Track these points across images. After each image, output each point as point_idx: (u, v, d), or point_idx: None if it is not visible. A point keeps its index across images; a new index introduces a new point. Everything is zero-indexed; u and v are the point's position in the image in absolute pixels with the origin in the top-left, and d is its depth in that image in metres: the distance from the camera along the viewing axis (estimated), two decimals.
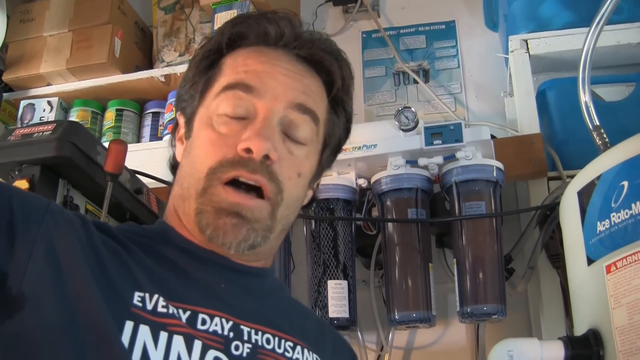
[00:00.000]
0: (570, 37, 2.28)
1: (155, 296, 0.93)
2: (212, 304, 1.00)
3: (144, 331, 0.89)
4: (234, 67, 1.12)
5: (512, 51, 2.35)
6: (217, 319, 0.99)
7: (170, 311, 0.94)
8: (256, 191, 1.04)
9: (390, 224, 2.01)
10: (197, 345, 0.93)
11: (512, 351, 1.41)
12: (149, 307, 0.92)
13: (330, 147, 1.22)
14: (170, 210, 1.15)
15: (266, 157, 1.04)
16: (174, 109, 1.22)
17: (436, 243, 2.25)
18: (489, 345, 2.04)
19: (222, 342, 0.97)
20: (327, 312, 1.93)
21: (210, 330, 0.97)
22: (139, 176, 1.77)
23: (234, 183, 1.04)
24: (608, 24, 1.74)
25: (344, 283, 1.97)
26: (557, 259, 1.97)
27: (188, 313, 0.96)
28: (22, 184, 1.41)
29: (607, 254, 1.36)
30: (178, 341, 0.92)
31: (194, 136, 1.11)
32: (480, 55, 2.81)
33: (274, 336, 1.05)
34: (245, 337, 1.01)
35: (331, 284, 1.95)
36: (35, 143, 1.45)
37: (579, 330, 1.46)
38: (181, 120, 1.19)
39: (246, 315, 1.03)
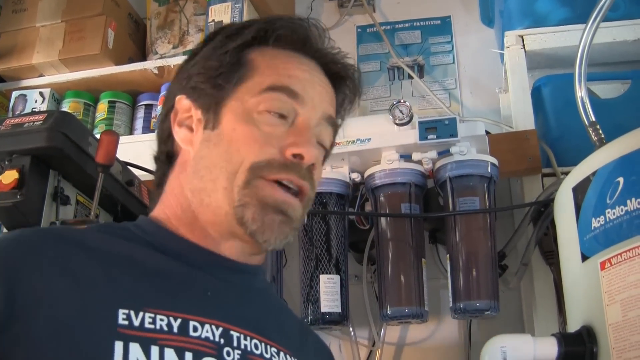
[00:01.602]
0: (567, 33, 2.27)
1: (141, 312, 0.92)
2: (202, 311, 0.99)
3: (135, 349, 0.88)
4: (274, 68, 1.13)
5: (508, 47, 2.34)
6: (207, 326, 0.98)
7: (158, 325, 0.92)
8: (294, 193, 1.08)
9: (383, 219, 2.00)
10: (189, 356, 0.93)
11: (505, 347, 1.41)
12: (136, 323, 0.91)
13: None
14: (174, 207, 1.12)
15: (312, 164, 1.09)
16: (174, 93, 1.18)
17: (429, 238, 2.25)
18: (482, 342, 2.02)
19: (214, 349, 0.97)
20: (319, 307, 1.92)
21: (203, 336, 0.96)
22: (130, 168, 1.76)
23: (278, 183, 1.07)
24: (604, 21, 1.73)
25: (336, 278, 1.96)
26: (551, 256, 1.96)
27: (179, 321, 0.95)
28: (12, 174, 1.40)
29: (602, 251, 1.36)
30: (170, 354, 0.91)
31: (228, 128, 1.09)
32: (475, 51, 2.81)
33: (260, 342, 1.05)
34: (235, 343, 1.00)
35: (323, 278, 1.94)
36: (25, 133, 1.44)
37: (573, 327, 1.46)
38: (185, 104, 1.15)
39: (235, 320, 1.03)
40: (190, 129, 1.14)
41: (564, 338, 1.40)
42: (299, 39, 1.18)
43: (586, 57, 1.70)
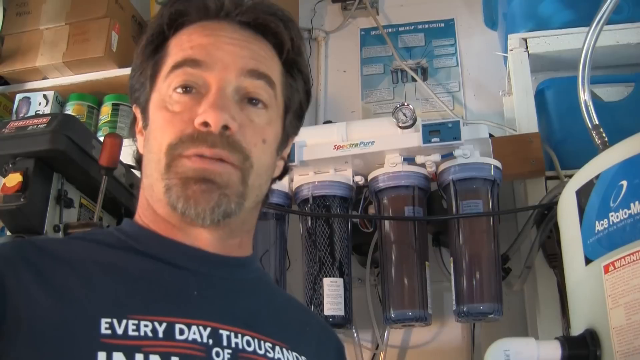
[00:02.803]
0: (570, 36, 2.27)
1: (124, 319, 0.90)
2: (188, 312, 0.97)
3: (118, 358, 0.87)
4: (179, 45, 1.09)
5: (511, 50, 2.34)
6: (194, 327, 0.96)
7: (142, 331, 0.91)
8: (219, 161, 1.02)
9: (386, 222, 1.99)
10: None
11: (509, 351, 1.40)
12: (119, 331, 0.89)
13: (293, 112, 1.19)
14: (143, 206, 1.11)
15: (225, 127, 1.01)
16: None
17: (433, 241, 2.25)
18: (485, 345, 2.02)
19: (202, 350, 0.94)
20: (322, 310, 1.92)
21: (190, 339, 0.94)
22: (134, 171, 1.76)
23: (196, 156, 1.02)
24: (608, 24, 1.73)
25: (340, 281, 1.96)
26: (554, 259, 1.96)
27: (164, 325, 0.93)
28: (16, 177, 1.40)
29: (605, 254, 1.35)
30: None
31: (151, 121, 1.08)
32: (479, 53, 2.81)
33: (253, 338, 1.02)
34: (225, 343, 0.98)
35: (327, 281, 1.94)
36: (29, 136, 1.44)
37: (576, 330, 1.45)
38: (137, 112, 1.15)
39: (224, 318, 1.01)
40: (142, 134, 1.13)
41: (567, 341, 1.40)
42: (198, 8, 1.12)
43: (589, 60, 1.70)
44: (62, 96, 2.75)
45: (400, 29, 2.94)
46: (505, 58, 2.43)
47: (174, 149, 1.01)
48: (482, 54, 2.79)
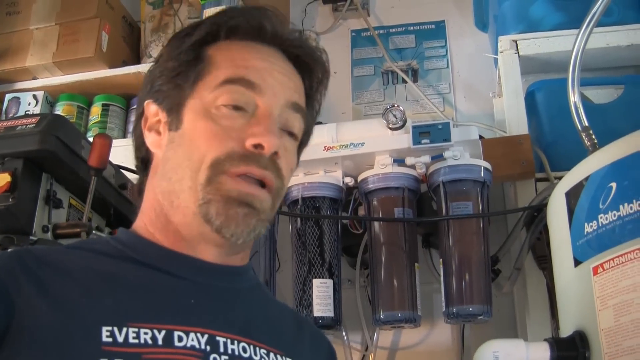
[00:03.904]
0: (560, 38, 2.27)
1: (125, 327, 0.92)
2: (186, 320, 0.99)
3: None
4: (231, 60, 1.11)
5: (502, 52, 2.34)
6: (192, 334, 0.97)
7: (142, 339, 0.92)
8: (260, 184, 1.06)
9: (376, 223, 1.99)
10: None
11: (498, 352, 1.40)
12: (120, 339, 0.91)
13: (304, 143, 1.23)
14: (151, 212, 1.11)
15: (274, 153, 1.06)
16: (142, 99, 1.16)
17: (422, 243, 2.24)
18: (475, 346, 2.02)
19: (200, 357, 0.96)
20: (311, 311, 1.91)
21: (188, 345, 0.96)
22: (124, 172, 1.76)
23: (241, 176, 1.04)
24: (598, 26, 1.74)
25: (329, 282, 1.95)
26: (544, 261, 1.96)
27: (163, 332, 0.95)
28: (4, 178, 1.40)
29: (594, 256, 1.36)
30: None
31: (189, 127, 1.08)
32: (469, 55, 2.81)
33: (249, 344, 1.04)
34: (222, 349, 1.00)
35: (316, 282, 1.94)
36: (18, 136, 1.43)
37: (565, 331, 1.45)
38: (152, 109, 1.14)
39: (221, 325, 1.02)
40: (158, 133, 1.13)
41: (556, 343, 1.40)
42: (253, 27, 1.15)
43: (579, 62, 1.70)
44: (52, 96, 2.75)
45: (391, 30, 2.94)
46: (496, 60, 2.43)
47: (220, 165, 1.03)
48: (472, 56, 2.79)
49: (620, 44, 2.26)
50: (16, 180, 1.40)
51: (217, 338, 1.00)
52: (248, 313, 1.11)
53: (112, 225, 1.68)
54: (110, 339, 0.90)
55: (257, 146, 1.04)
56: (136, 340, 0.92)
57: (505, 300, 2.19)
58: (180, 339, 0.96)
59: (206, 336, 0.99)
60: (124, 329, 0.92)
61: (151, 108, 1.14)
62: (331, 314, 1.93)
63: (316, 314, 1.91)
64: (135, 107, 2.64)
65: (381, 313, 1.91)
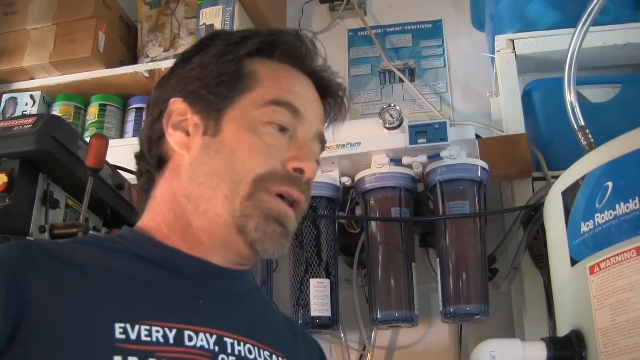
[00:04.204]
0: (557, 37, 2.27)
1: (137, 325, 0.93)
2: (195, 320, 1.00)
3: None
4: (277, 82, 1.14)
5: (499, 51, 2.34)
6: (201, 334, 0.99)
7: (154, 337, 0.93)
8: (289, 203, 1.11)
9: (373, 223, 2.00)
10: None
11: (495, 351, 1.40)
12: (133, 336, 0.91)
13: None
14: (165, 214, 1.11)
15: (309, 179, 1.12)
16: (167, 95, 1.16)
17: (420, 242, 2.25)
18: (472, 346, 2.03)
19: (209, 357, 0.98)
20: (309, 311, 1.92)
21: (198, 345, 0.97)
22: (120, 172, 1.76)
23: (278, 195, 1.09)
24: (594, 25, 1.74)
25: (326, 282, 1.96)
26: (541, 260, 1.97)
27: (174, 331, 0.96)
28: (1, 178, 1.39)
29: (591, 255, 1.36)
30: None
31: (231, 137, 1.09)
32: (466, 54, 2.81)
33: (253, 346, 1.06)
34: (229, 350, 1.01)
35: (313, 282, 1.94)
36: (14, 136, 1.43)
37: (562, 331, 1.45)
38: (180, 108, 1.13)
39: (228, 326, 1.04)
40: (187, 133, 1.12)
41: (552, 342, 1.40)
42: (300, 54, 1.19)
43: (575, 61, 1.70)
44: (49, 96, 2.74)
45: (387, 29, 2.94)
46: (493, 59, 2.44)
47: (262, 181, 1.07)
48: (469, 55, 2.79)
49: (617, 42, 2.26)
50: (13, 181, 1.40)
51: (225, 339, 1.02)
52: (250, 315, 1.14)
53: (109, 225, 1.68)
54: (123, 336, 0.90)
55: (297, 170, 1.09)
56: (148, 338, 0.93)
57: (502, 299, 2.19)
58: (190, 338, 0.97)
59: (214, 337, 1.00)
60: (136, 327, 0.92)
61: (179, 106, 1.13)
62: (328, 313, 1.93)
63: (313, 313, 1.91)
64: (132, 107, 2.66)
65: (378, 312, 1.91)
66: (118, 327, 0.91)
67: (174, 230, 1.10)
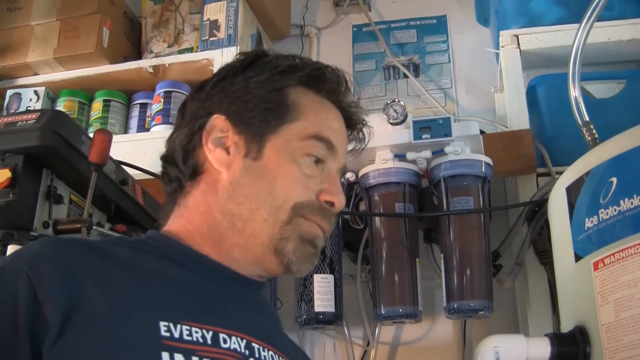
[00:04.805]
0: (562, 33, 2.27)
1: (179, 324, 0.96)
2: (227, 324, 1.04)
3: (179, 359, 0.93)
4: (317, 115, 1.19)
5: (503, 46, 2.34)
6: (234, 338, 1.03)
7: (195, 337, 0.97)
8: None
9: (377, 219, 1.99)
10: None
11: (498, 347, 1.40)
12: (176, 335, 0.95)
13: None
14: (198, 224, 1.14)
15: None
16: (208, 109, 1.19)
17: (424, 238, 2.24)
18: (476, 342, 2.03)
19: (241, 359, 1.02)
20: (312, 307, 1.92)
21: (231, 348, 1.01)
22: (125, 167, 1.76)
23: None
24: (599, 21, 1.74)
25: (330, 277, 1.96)
26: (545, 256, 1.96)
27: (211, 333, 0.99)
28: (5, 174, 1.39)
29: (595, 251, 1.35)
30: None
31: (273, 164, 1.13)
32: (470, 50, 2.81)
33: (275, 353, 1.11)
34: (257, 354, 1.06)
35: (317, 278, 1.94)
36: (18, 132, 1.43)
37: (566, 327, 1.45)
38: (222, 125, 1.15)
39: (253, 332, 1.08)
40: (227, 152, 1.15)
41: (556, 338, 1.40)
42: (339, 92, 1.25)
43: (580, 56, 1.70)
44: (53, 92, 2.74)
45: (392, 25, 2.94)
46: (497, 55, 2.43)
47: (300, 209, 1.12)
48: (474, 51, 2.79)
49: (622, 38, 2.25)
50: (16, 176, 1.39)
51: (253, 344, 1.06)
52: (269, 324, 1.19)
53: (113, 221, 1.68)
54: (168, 334, 0.94)
55: (328, 202, 1.15)
56: (190, 338, 0.96)
57: (506, 295, 2.19)
58: (225, 340, 1.01)
59: (245, 341, 1.04)
60: (178, 326, 0.96)
61: (221, 123, 1.16)
62: (332, 309, 1.93)
63: (317, 309, 1.92)
64: (137, 102, 2.65)
65: (382, 308, 1.91)
66: (162, 325, 0.94)
67: (207, 241, 1.13)
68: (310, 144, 1.15)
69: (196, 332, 0.97)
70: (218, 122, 1.16)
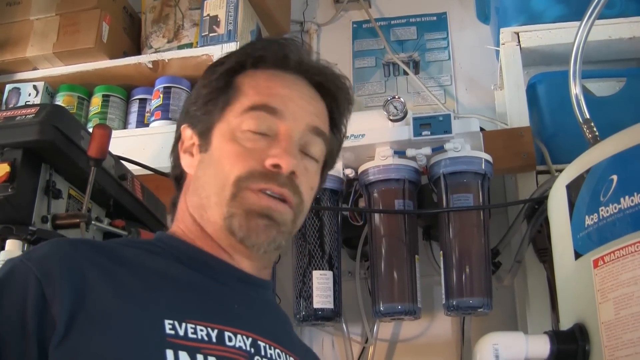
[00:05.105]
0: (562, 30, 2.27)
1: (184, 323, 0.97)
2: (232, 322, 1.05)
3: (184, 357, 0.94)
4: (256, 88, 1.19)
5: (503, 44, 2.33)
6: (239, 336, 1.04)
7: (199, 335, 0.98)
8: (281, 200, 1.13)
9: (377, 215, 1.99)
10: None
11: (498, 345, 1.40)
12: (181, 333, 0.96)
13: (329, 165, 1.31)
14: (187, 222, 1.19)
15: (292, 172, 1.13)
16: (179, 123, 1.29)
17: (423, 235, 2.24)
18: (475, 339, 2.03)
19: (247, 357, 1.03)
20: (311, 303, 1.92)
21: (237, 346, 1.02)
22: (124, 162, 1.75)
23: (262, 192, 1.12)
24: (600, 19, 1.74)
25: (329, 274, 1.95)
26: (544, 253, 1.96)
27: (216, 331, 1.01)
28: (3, 168, 1.39)
29: (595, 249, 1.36)
30: None
31: (216, 148, 1.17)
32: (471, 47, 2.81)
33: (282, 351, 1.12)
34: (262, 352, 1.06)
35: (316, 274, 1.94)
36: (17, 126, 1.43)
37: (565, 324, 1.45)
38: (188, 133, 1.23)
39: (259, 331, 1.09)
40: (192, 155, 1.22)
41: (556, 336, 1.40)
42: (278, 57, 1.23)
43: (581, 54, 1.70)
44: (52, 87, 2.73)
45: (392, 22, 2.94)
46: (497, 52, 2.43)
47: (242, 182, 1.11)
48: (474, 48, 2.79)
49: (623, 36, 2.25)
50: (15, 171, 1.39)
51: (259, 342, 1.07)
52: (275, 323, 1.20)
53: (112, 216, 1.67)
54: (172, 332, 0.95)
55: (276, 166, 1.12)
56: (194, 336, 0.98)
57: (505, 292, 2.19)
58: (230, 339, 1.02)
59: (250, 339, 1.05)
60: (183, 324, 0.97)
61: (187, 132, 1.23)
62: (331, 305, 1.93)
63: (316, 305, 1.92)
64: (136, 97, 2.65)
65: (381, 305, 1.91)
66: (167, 324, 0.96)
67: (195, 236, 1.17)
68: (247, 117, 1.16)
69: (201, 330, 0.99)
70: (184, 132, 1.24)
